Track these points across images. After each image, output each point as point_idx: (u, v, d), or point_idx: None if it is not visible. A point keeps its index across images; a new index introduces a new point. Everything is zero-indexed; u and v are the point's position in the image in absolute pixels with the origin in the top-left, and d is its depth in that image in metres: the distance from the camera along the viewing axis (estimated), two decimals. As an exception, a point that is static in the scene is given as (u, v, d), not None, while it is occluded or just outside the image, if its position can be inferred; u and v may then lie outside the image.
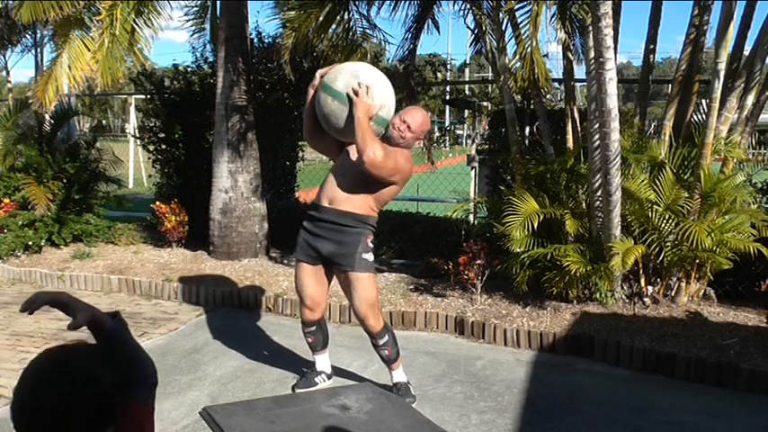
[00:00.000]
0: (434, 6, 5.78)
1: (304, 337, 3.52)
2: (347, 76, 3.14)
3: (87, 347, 1.20)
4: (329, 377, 3.56)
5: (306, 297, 3.40)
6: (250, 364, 3.93)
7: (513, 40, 4.96)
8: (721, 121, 4.50)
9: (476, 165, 6.72)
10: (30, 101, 6.65)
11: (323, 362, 3.55)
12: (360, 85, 3.08)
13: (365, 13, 5.76)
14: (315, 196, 3.43)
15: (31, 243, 6.47)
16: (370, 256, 3.28)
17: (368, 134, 3.06)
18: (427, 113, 3.36)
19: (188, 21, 7.36)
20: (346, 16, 5.65)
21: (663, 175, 4.59)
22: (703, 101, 4.78)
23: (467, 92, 8.69)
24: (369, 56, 5.80)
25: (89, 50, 5.66)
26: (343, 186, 3.23)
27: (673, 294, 4.67)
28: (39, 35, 12.41)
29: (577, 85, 5.99)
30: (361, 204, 3.24)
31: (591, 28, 4.29)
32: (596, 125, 4.34)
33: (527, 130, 5.77)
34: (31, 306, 1.25)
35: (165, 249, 6.57)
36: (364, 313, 3.27)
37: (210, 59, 7.32)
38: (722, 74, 4.29)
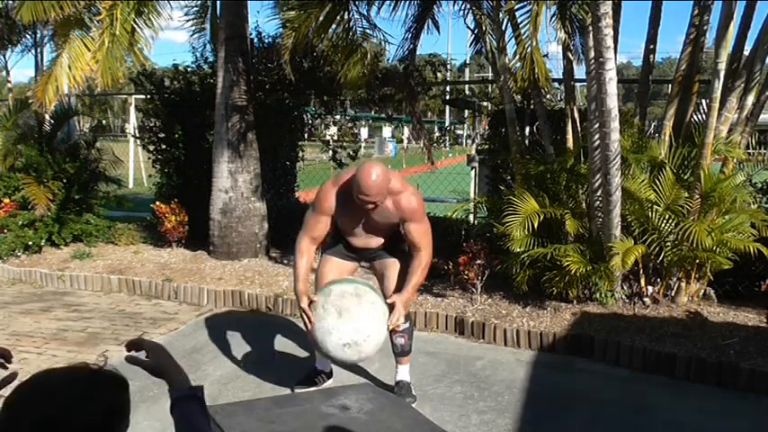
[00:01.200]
0: (434, 6, 5.77)
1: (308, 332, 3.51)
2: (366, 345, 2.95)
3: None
4: (329, 376, 3.55)
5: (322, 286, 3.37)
6: (250, 364, 3.93)
7: (513, 40, 4.96)
8: (721, 121, 4.50)
9: (476, 165, 6.72)
10: (30, 101, 6.64)
11: (324, 360, 3.55)
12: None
13: (365, 13, 5.76)
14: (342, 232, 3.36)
15: (31, 243, 6.47)
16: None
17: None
18: (377, 170, 2.91)
19: (188, 21, 7.37)
20: (346, 16, 5.64)
21: (663, 175, 4.59)
22: (703, 101, 4.77)
23: (467, 92, 8.69)
24: (369, 56, 5.80)
25: (89, 50, 5.65)
26: (374, 238, 3.26)
27: (673, 294, 4.67)
28: (39, 35, 12.40)
29: (577, 85, 5.99)
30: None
31: (591, 28, 4.29)
32: (596, 125, 4.34)
33: (527, 130, 5.77)
34: (133, 347, 1.45)
35: (165, 249, 6.57)
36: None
37: (210, 59, 7.32)
38: (722, 74, 4.29)
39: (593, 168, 4.49)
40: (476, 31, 5.71)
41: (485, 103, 7.78)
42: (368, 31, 5.80)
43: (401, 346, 3.36)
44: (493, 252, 4.86)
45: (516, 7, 4.78)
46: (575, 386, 3.65)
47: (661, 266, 4.61)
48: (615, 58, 4.32)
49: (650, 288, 4.67)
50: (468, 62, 18.35)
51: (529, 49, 4.58)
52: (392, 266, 3.29)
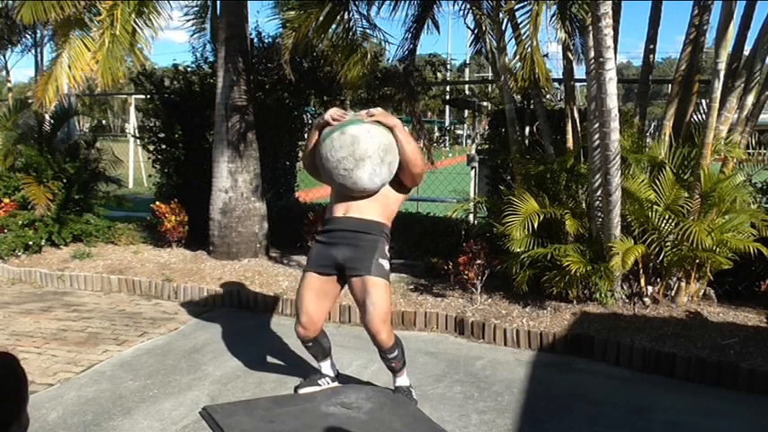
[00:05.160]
0: (434, 6, 5.77)
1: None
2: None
3: None
4: (333, 380, 3.52)
5: (302, 313, 3.23)
6: (250, 364, 3.93)
7: (513, 40, 4.96)
8: (721, 121, 4.50)
9: (476, 165, 6.73)
10: (30, 101, 6.66)
11: (326, 367, 3.51)
12: (368, 115, 3.07)
13: (365, 13, 5.76)
14: (327, 214, 3.32)
15: (31, 243, 6.48)
16: (386, 264, 3.18)
17: (419, 150, 3.18)
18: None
19: (188, 21, 7.38)
20: (346, 16, 5.64)
21: (663, 175, 4.59)
22: (703, 101, 4.78)
23: (467, 92, 8.69)
24: (369, 56, 5.80)
25: (89, 50, 5.65)
26: (359, 199, 3.18)
27: (673, 294, 4.67)
28: (39, 35, 12.40)
29: (577, 85, 5.99)
30: (378, 213, 3.21)
31: (591, 28, 4.29)
32: (596, 125, 4.34)
33: (527, 130, 5.77)
34: None
35: (165, 249, 6.57)
36: (377, 328, 3.08)
37: (210, 59, 7.33)
38: (722, 74, 4.29)
39: (593, 168, 4.49)
40: (476, 31, 5.72)
41: (485, 103, 7.78)
42: (368, 31, 5.80)
43: (392, 368, 3.32)
44: (493, 252, 4.86)
45: (516, 7, 4.78)
46: (575, 386, 3.65)
47: (661, 266, 4.61)
48: (615, 58, 4.32)
49: (650, 288, 4.67)
50: (468, 62, 18.37)
51: (529, 49, 4.59)
52: (373, 288, 3.08)
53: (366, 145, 3.01)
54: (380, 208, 3.23)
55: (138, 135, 9.52)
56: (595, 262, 4.46)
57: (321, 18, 5.41)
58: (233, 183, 6.20)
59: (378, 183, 3.11)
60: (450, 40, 39.10)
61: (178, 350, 4.19)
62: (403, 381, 3.38)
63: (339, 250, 3.18)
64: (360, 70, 5.68)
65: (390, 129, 3.11)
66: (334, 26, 5.68)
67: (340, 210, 3.23)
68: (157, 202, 6.76)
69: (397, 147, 3.12)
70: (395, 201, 3.31)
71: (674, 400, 3.48)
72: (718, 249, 4.37)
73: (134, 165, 13.70)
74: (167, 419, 3.18)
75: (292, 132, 7.67)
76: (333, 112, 3.11)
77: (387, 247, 3.22)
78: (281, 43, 5.78)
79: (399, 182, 3.25)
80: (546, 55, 5.01)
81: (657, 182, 4.60)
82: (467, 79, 20.48)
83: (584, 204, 4.85)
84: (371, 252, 3.14)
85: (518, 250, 4.60)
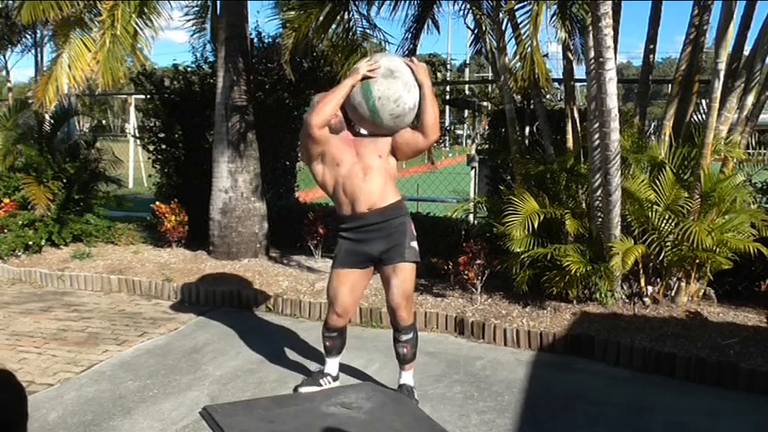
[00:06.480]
0: (434, 6, 5.78)
1: (322, 339, 3.47)
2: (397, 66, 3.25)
3: None
4: (335, 379, 3.52)
5: (338, 305, 3.31)
6: (250, 364, 3.93)
7: (513, 40, 4.96)
8: (721, 121, 4.50)
9: (476, 165, 6.73)
10: (30, 101, 6.65)
11: (332, 366, 3.52)
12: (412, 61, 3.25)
13: (365, 13, 5.76)
14: (345, 209, 3.27)
15: (31, 243, 6.48)
16: (416, 245, 3.28)
17: (438, 119, 3.27)
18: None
19: (188, 21, 7.37)
20: (346, 16, 5.64)
21: (663, 175, 4.59)
22: (703, 101, 4.78)
23: (467, 92, 8.69)
24: (369, 56, 5.79)
25: (89, 51, 5.65)
26: (373, 185, 3.20)
27: (673, 294, 4.67)
28: (39, 35, 12.39)
29: (577, 85, 5.99)
30: (393, 192, 3.26)
31: (591, 28, 4.29)
32: (596, 125, 4.34)
33: (527, 130, 5.77)
34: None
35: (165, 249, 6.57)
36: (398, 302, 3.21)
37: (210, 59, 7.33)
38: (722, 74, 4.29)
39: (593, 168, 4.49)
40: (476, 31, 5.71)
41: (485, 103, 7.78)
42: (368, 31, 5.80)
43: (404, 354, 3.34)
44: (493, 252, 4.86)
45: (516, 7, 4.78)
46: (575, 386, 3.65)
47: (661, 266, 4.61)
48: (615, 58, 4.32)
49: (650, 288, 4.67)
50: (468, 62, 18.37)
51: (529, 49, 4.59)
52: (402, 272, 3.21)
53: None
54: (392, 183, 3.28)
55: (138, 135, 9.52)
56: (595, 262, 4.46)
57: (321, 18, 5.41)
58: (233, 183, 6.20)
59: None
60: (450, 40, 39.20)
61: (178, 350, 4.19)
62: (409, 378, 3.40)
63: (373, 246, 3.24)
64: (360, 70, 5.67)
65: (419, 86, 3.20)
66: (334, 26, 5.68)
67: (362, 205, 3.21)
68: (157, 202, 6.76)
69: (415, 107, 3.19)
70: (395, 171, 3.38)
71: (674, 400, 3.48)
72: (718, 249, 4.37)
73: (134, 165, 13.70)
74: (167, 419, 3.18)
75: (292, 132, 7.65)
76: (369, 66, 3.31)
77: (413, 226, 3.30)
78: (281, 43, 5.78)
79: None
80: (546, 55, 5.02)
81: (657, 182, 4.60)
82: (467, 79, 20.47)
83: (584, 204, 4.85)
84: (403, 236, 3.23)
85: (518, 250, 4.60)
